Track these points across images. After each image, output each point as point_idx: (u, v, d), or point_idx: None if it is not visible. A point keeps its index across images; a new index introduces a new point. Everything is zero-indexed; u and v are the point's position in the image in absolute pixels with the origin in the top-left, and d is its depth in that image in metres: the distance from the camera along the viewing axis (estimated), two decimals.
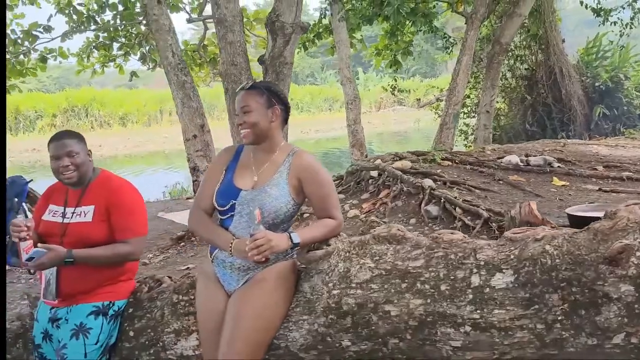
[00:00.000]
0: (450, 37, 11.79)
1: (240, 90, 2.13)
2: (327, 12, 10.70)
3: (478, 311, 1.84)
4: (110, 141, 24.91)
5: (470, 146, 11.69)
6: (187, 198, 9.73)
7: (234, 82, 7.55)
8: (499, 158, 6.12)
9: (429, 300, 1.92)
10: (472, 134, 12.48)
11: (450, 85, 10.52)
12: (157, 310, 2.51)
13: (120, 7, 10.93)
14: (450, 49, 11.94)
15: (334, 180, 6.63)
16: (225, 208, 2.09)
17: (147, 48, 11.57)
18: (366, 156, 10.65)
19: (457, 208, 4.27)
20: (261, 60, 7.26)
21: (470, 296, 1.86)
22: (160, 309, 2.49)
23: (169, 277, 2.71)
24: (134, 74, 12.51)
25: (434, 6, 11.13)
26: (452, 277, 1.90)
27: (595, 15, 9.05)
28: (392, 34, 11.25)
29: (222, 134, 8.38)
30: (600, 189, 4.94)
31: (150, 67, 12.01)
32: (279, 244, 1.91)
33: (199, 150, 7.35)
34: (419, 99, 12.93)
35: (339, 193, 6.29)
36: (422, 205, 4.51)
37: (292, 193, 2.07)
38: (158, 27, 7.17)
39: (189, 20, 8.88)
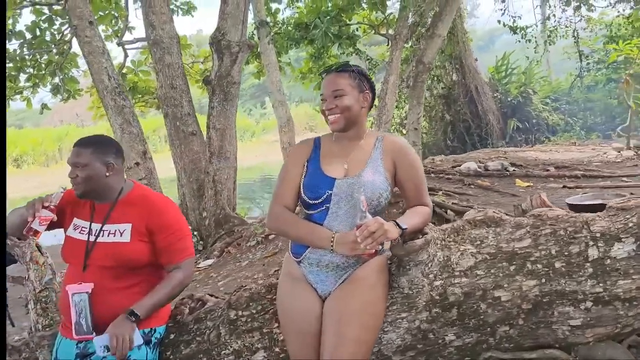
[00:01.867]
0: (372, 59, 12.12)
1: (329, 72, 1.95)
2: (254, 35, 10.61)
3: (601, 284, 1.79)
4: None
5: None
6: None
7: (174, 106, 7.23)
8: (453, 167, 6.29)
9: (543, 280, 1.84)
10: None
11: (379, 104, 10.76)
12: (209, 332, 2.22)
13: (28, 35, 10.19)
14: (374, 70, 12.27)
15: None
16: (319, 200, 1.89)
17: (61, 77, 10.82)
18: None
19: (448, 211, 4.28)
20: (207, 81, 6.97)
21: (590, 270, 1.80)
22: (214, 329, 2.21)
23: (211, 295, 2.42)
24: (44, 106, 11.62)
25: (357, 29, 11.44)
26: (565, 253, 1.84)
27: (512, 33, 9.71)
28: (318, 57, 11.37)
29: None
30: (564, 186, 5.20)
31: (64, 98, 11.22)
32: (391, 229, 1.74)
33: (143, 179, 6.87)
34: None
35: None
36: None
37: (389, 178, 1.91)
38: (91, 50, 6.70)
39: (119, 44, 8.40)
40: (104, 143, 2.28)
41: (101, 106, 7.92)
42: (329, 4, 10.79)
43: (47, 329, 2.93)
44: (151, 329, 2.21)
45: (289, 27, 10.69)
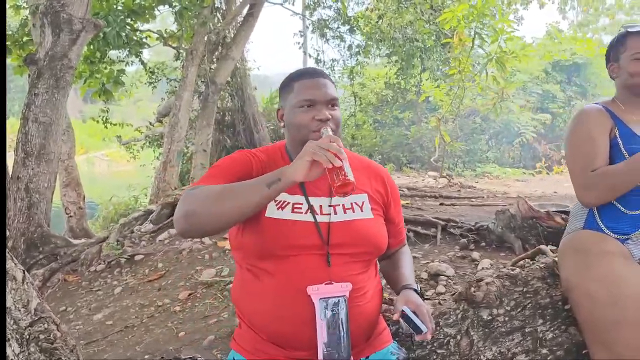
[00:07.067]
0: (154, 72, 11.28)
1: None
2: (29, 21, 8.77)
3: None
4: None
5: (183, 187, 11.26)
6: None
7: None
8: None
9: None
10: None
11: (170, 121, 10.12)
12: (453, 340, 1.72)
13: None
14: (155, 84, 11.47)
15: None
16: None
17: None
18: (84, 198, 9.01)
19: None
20: (31, 60, 5.39)
21: None
22: (463, 335, 1.73)
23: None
24: None
25: (146, 37, 10.57)
26: None
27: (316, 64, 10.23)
28: (100, 60, 10.02)
29: None
30: (442, 204, 5.64)
31: None
32: None
33: None
34: (119, 136, 11.61)
35: None
36: None
37: None
38: None
39: None
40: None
41: None
42: (120, 4, 9.75)
43: None
44: (395, 342, 1.62)
45: None
